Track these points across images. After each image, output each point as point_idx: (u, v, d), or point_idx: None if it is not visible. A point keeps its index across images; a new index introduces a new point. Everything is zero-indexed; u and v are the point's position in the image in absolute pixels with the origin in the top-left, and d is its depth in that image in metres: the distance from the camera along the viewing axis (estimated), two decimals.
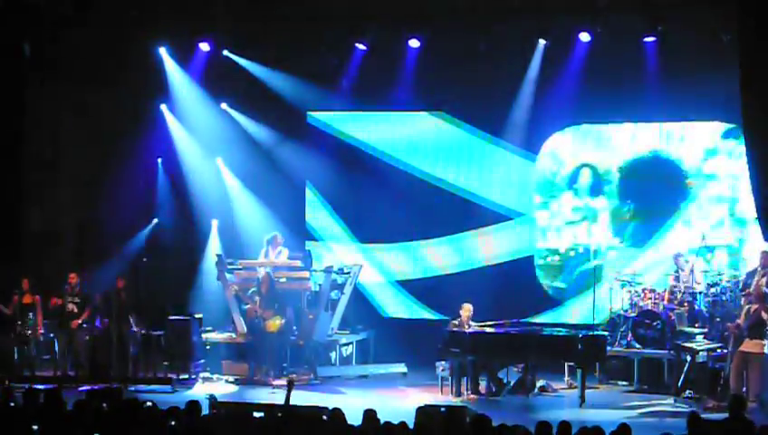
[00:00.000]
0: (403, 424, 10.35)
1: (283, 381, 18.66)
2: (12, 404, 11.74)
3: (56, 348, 19.18)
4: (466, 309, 18.05)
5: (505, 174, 21.50)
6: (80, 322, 18.94)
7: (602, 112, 20.82)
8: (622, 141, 20.94)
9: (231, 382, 18.92)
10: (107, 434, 10.45)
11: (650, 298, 18.91)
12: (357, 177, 21.90)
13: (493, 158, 21.49)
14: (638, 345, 18.54)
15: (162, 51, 21.56)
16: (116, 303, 18.94)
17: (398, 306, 22.00)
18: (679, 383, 16.97)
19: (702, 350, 17.03)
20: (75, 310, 18.95)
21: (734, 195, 20.22)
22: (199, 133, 22.09)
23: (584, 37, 19.96)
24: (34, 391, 11.85)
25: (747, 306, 16.85)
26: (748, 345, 16.44)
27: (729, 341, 16.76)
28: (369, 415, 10.61)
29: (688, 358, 17.02)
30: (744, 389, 16.34)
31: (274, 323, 18.95)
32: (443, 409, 12.91)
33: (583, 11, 19.62)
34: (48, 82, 21.07)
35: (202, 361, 19.49)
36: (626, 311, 18.96)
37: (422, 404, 13.43)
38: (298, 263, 19.96)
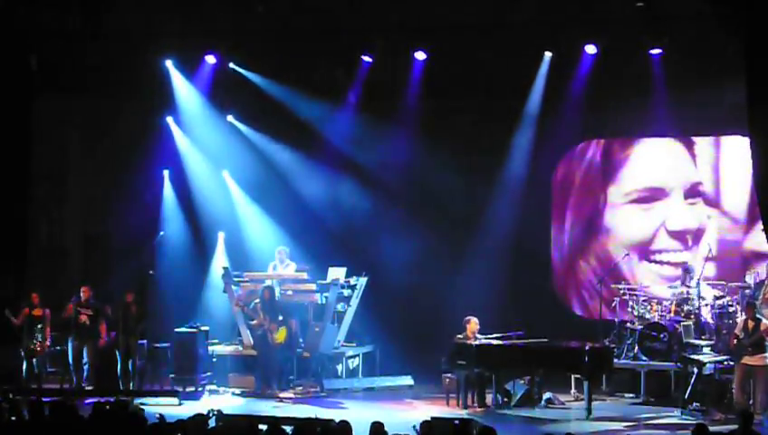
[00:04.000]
0: None
1: (290, 394, 18.70)
2: (14, 417, 11.74)
3: (69, 360, 19.12)
4: (472, 323, 18.07)
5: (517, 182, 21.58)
6: (104, 342, 18.98)
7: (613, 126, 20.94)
8: None
9: (237, 395, 18.92)
10: None
11: (657, 310, 18.92)
12: (363, 189, 21.99)
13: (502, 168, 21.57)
14: (644, 357, 18.51)
15: (168, 63, 21.58)
16: (124, 316, 18.94)
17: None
18: (686, 396, 16.94)
19: (708, 362, 17.02)
20: (87, 322, 18.94)
21: None
22: (206, 146, 22.11)
23: (590, 50, 19.97)
24: (40, 404, 11.84)
25: (744, 318, 16.87)
26: (751, 359, 16.45)
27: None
28: (377, 428, 10.58)
29: (695, 370, 17.00)
30: (751, 401, 16.35)
31: (281, 336, 18.95)
32: (457, 421, 12.89)
33: (589, 23, 19.61)
34: (55, 95, 21.11)
35: (208, 373, 19.47)
36: (632, 323, 18.95)
37: (429, 417, 13.41)
38: (305, 275, 19.98)
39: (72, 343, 19.04)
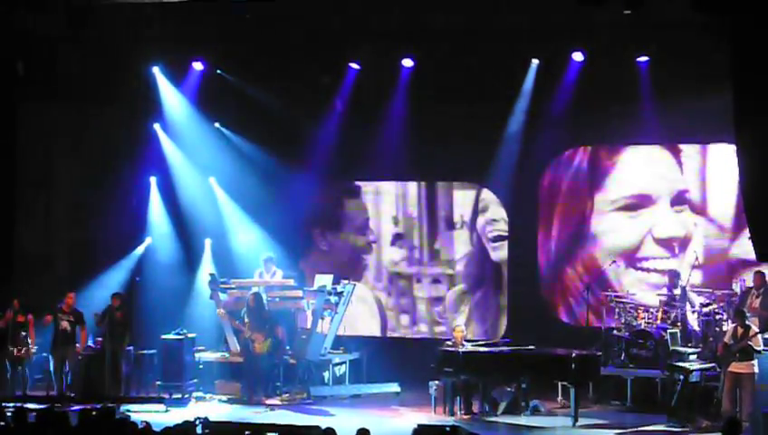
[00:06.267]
0: None
1: (277, 401, 18.66)
2: (2, 424, 11.71)
3: (51, 368, 19.08)
4: (458, 330, 18.09)
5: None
6: (81, 349, 18.94)
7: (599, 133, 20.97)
8: None
9: (224, 402, 18.87)
10: None
11: (644, 318, 18.92)
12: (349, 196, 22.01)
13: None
14: (631, 365, 18.51)
15: (156, 70, 21.56)
16: (111, 321, 18.90)
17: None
18: (672, 403, 16.96)
19: (695, 369, 17.03)
20: (69, 328, 18.89)
21: None
22: (192, 152, 22.06)
23: (577, 57, 19.99)
24: (24, 411, 11.79)
25: (734, 326, 16.88)
26: (738, 366, 16.46)
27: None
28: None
29: (681, 378, 17.01)
30: (737, 409, 16.37)
31: (263, 345, 18.91)
32: (448, 428, 12.88)
33: (577, 31, 19.62)
34: (41, 100, 21.06)
35: (195, 380, 19.44)
36: (619, 330, 18.95)
37: (416, 424, 13.40)
38: (291, 282, 19.97)
39: (53, 350, 18.99)
